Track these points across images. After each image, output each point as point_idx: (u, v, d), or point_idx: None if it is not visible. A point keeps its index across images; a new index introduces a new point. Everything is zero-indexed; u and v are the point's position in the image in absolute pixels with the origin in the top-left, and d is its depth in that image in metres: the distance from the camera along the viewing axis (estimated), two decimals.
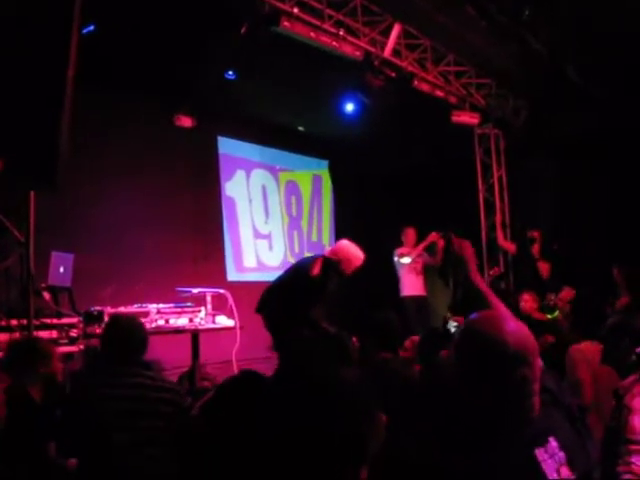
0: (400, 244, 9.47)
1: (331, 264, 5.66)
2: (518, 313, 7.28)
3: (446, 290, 9.08)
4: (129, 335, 3.40)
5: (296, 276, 5.75)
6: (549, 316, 7.23)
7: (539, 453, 1.74)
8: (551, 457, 1.75)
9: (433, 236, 8.90)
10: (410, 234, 9.33)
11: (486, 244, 10.29)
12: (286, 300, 5.65)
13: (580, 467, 1.80)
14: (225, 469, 1.29)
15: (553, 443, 1.77)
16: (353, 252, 5.79)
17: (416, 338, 5.26)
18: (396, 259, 9.32)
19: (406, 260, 9.20)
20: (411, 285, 9.25)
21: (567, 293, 7.55)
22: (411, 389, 3.33)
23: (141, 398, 3.15)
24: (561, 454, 1.77)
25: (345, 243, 5.94)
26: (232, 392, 1.36)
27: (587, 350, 4.43)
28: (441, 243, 8.63)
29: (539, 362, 1.88)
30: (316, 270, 5.56)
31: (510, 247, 9.88)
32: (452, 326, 6.34)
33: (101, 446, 2.65)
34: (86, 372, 4.15)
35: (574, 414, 1.96)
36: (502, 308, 2.39)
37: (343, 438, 1.25)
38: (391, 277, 9.52)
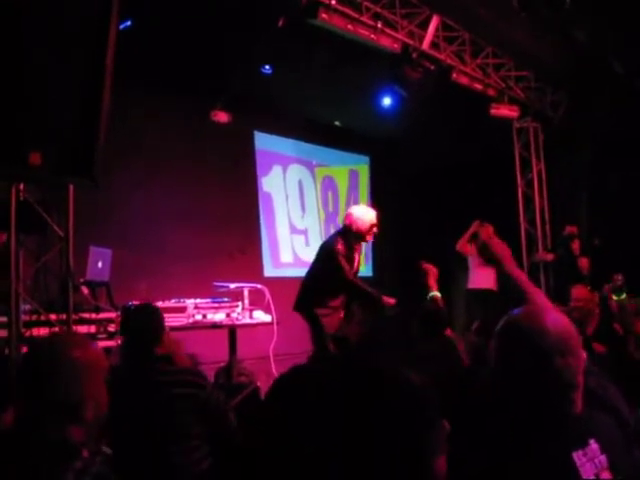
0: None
1: (347, 231, 5.66)
2: None
3: None
4: (142, 327, 3.28)
5: (324, 259, 5.75)
6: (615, 297, 7.12)
7: (577, 456, 1.63)
8: (590, 461, 1.64)
9: (476, 225, 8.76)
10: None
11: (525, 238, 10.16)
12: (320, 285, 5.72)
13: (623, 473, 1.69)
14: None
15: (594, 445, 1.67)
16: (359, 211, 5.75)
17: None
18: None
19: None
20: (481, 278, 8.84)
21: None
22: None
23: (156, 396, 3.07)
24: (602, 457, 1.66)
25: (353, 207, 5.96)
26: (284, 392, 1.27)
27: None
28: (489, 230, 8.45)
29: (583, 355, 1.81)
30: (339, 244, 5.56)
31: (548, 257, 9.85)
32: None
33: (118, 442, 2.57)
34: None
35: (623, 418, 1.86)
36: (541, 297, 2.34)
37: (404, 448, 1.17)
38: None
